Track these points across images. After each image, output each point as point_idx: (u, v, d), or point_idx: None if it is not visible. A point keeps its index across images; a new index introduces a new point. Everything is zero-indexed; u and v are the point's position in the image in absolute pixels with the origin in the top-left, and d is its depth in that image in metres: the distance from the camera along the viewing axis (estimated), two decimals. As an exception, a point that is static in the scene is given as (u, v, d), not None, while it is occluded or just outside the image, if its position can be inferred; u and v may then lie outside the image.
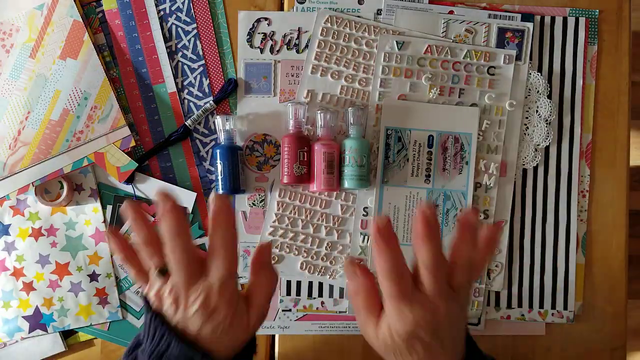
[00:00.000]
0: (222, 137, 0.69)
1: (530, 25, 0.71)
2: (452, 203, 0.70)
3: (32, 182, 0.68)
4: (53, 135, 0.68)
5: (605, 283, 0.72)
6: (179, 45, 0.70)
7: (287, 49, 0.71)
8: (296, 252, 0.71)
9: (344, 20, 0.70)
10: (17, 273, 0.69)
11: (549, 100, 0.71)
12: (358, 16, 0.70)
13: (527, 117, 0.71)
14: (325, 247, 0.71)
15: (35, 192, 0.68)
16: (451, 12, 0.71)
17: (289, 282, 0.71)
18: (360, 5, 0.71)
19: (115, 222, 0.70)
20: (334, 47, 0.70)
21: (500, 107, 0.71)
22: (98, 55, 0.68)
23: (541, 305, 0.72)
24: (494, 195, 0.71)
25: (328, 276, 0.71)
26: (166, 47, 0.70)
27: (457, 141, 0.70)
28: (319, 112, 0.68)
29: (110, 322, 0.70)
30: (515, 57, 0.70)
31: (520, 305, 0.71)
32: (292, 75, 0.71)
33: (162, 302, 0.49)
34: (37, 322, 0.69)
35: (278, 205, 0.70)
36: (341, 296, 0.71)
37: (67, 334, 0.70)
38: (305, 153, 0.68)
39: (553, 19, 0.71)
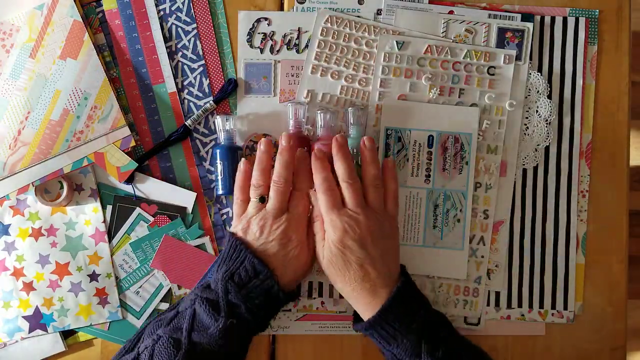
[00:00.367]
0: (222, 137, 0.69)
1: (530, 25, 0.71)
2: (452, 203, 0.70)
3: (32, 182, 0.68)
4: (53, 135, 0.68)
5: (605, 283, 0.72)
6: (179, 45, 0.70)
7: (287, 49, 0.71)
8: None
9: (344, 20, 0.70)
10: (17, 273, 0.69)
11: (549, 100, 0.71)
12: (358, 16, 0.70)
13: (527, 117, 0.71)
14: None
15: (35, 192, 0.68)
16: (451, 12, 0.71)
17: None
18: (360, 5, 0.71)
19: (115, 222, 0.70)
20: (334, 47, 0.70)
21: (500, 107, 0.71)
22: (98, 55, 0.68)
23: (541, 305, 0.71)
24: (494, 195, 0.71)
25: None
26: (166, 47, 0.70)
27: (457, 141, 0.70)
28: (319, 112, 0.68)
29: (110, 322, 0.70)
30: (515, 57, 0.70)
31: (520, 305, 0.71)
32: (292, 75, 0.71)
33: (249, 228, 0.62)
34: (37, 322, 0.69)
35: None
36: (341, 296, 0.71)
37: (67, 334, 0.70)
38: (305, 153, 0.68)
39: (553, 19, 0.71)
